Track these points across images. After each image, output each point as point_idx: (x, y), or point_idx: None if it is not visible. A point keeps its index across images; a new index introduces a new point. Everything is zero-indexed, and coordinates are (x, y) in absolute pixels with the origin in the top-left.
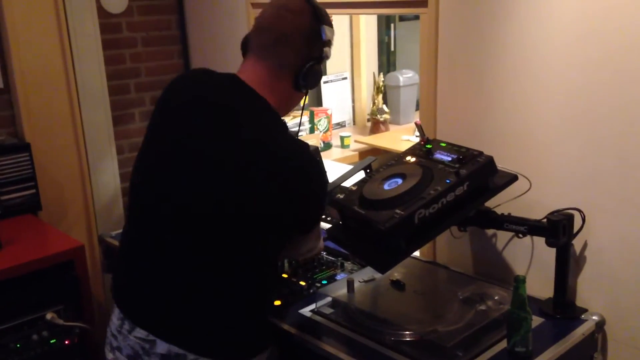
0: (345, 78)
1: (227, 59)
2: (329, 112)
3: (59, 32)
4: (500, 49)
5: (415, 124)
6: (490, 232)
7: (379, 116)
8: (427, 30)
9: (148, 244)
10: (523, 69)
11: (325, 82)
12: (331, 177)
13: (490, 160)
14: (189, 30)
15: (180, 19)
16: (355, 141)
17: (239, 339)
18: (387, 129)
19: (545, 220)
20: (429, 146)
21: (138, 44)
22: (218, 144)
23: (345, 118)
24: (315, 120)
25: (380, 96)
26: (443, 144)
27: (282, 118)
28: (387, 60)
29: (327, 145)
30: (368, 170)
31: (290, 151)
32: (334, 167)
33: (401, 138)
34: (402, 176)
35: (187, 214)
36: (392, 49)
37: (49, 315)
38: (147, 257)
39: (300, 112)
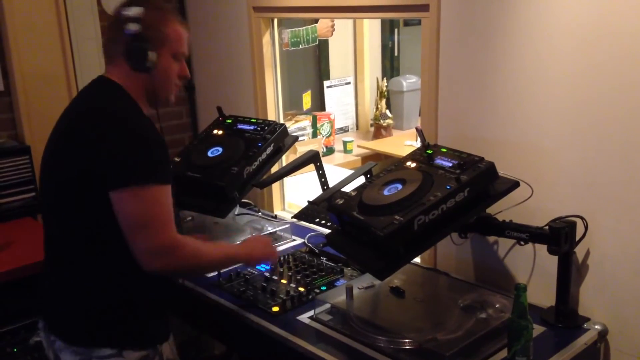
0: (348, 83)
1: (230, 65)
2: (331, 116)
3: (60, 34)
4: (502, 55)
5: (416, 129)
6: (491, 239)
7: (382, 121)
8: (428, 35)
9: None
10: (525, 75)
11: (328, 87)
12: (332, 182)
13: (491, 166)
14: (191, 34)
15: None
16: (358, 146)
17: (106, 326)
18: (390, 134)
19: (547, 227)
20: (429, 152)
21: None
22: (58, 134)
23: (348, 123)
24: (318, 125)
25: (384, 101)
26: (444, 150)
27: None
28: (390, 66)
29: (330, 150)
30: (368, 176)
31: (111, 109)
32: (336, 172)
33: (404, 143)
34: (402, 182)
35: (45, 208)
36: (396, 54)
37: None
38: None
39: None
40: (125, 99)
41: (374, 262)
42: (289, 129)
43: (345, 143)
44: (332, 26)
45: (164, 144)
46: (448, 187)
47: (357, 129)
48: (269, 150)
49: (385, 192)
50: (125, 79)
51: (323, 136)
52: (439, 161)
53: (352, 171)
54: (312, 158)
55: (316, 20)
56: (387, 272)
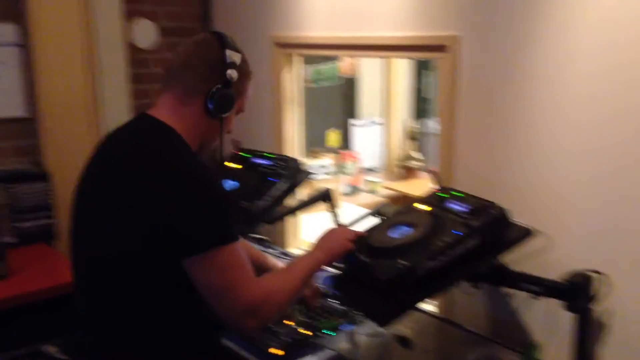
0: (376, 123)
1: (252, 99)
2: (357, 156)
3: (89, 64)
4: (521, 98)
5: (430, 171)
6: (505, 289)
7: (409, 163)
8: (445, 77)
9: (79, 295)
10: (544, 119)
11: (356, 126)
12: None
13: (503, 213)
14: None
15: None
16: (384, 187)
17: None
18: (417, 176)
19: (563, 281)
20: (442, 195)
21: None
22: (108, 186)
23: (375, 163)
24: (343, 163)
25: (412, 143)
26: (457, 193)
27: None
28: (420, 107)
29: (355, 190)
30: (380, 216)
31: (173, 159)
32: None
33: (431, 186)
34: (411, 224)
35: (93, 263)
36: (425, 95)
37: (51, 349)
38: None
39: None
40: (187, 150)
41: (376, 308)
42: (310, 166)
43: (371, 183)
44: (355, 64)
45: (225, 195)
46: (456, 232)
47: (384, 170)
48: (281, 186)
49: (394, 235)
50: (181, 119)
51: (348, 175)
52: (451, 205)
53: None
54: (324, 195)
55: (339, 58)
56: (388, 319)
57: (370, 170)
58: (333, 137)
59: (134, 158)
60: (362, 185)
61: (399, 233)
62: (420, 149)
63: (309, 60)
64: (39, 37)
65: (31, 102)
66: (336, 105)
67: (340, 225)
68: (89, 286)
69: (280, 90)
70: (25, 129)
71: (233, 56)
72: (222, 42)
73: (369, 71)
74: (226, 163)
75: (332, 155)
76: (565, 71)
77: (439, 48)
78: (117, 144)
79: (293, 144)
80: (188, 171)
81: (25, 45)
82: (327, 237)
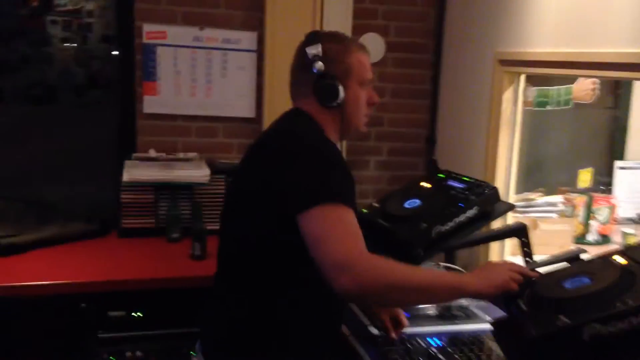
0: None
1: (468, 118)
2: (614, 201)
3: None
4: None
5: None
6: None
7: None
8: None
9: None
10: None
11: (621, 168)
12: None
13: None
14: (441, 86)
15: (434, 74)
16: None
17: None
18: None
19: None
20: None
21: (386, 94)
22: (245, 168)
23: (633, 214)
24: (593, 208)
25: None
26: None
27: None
28: None
29: (605, 240)
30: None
31: (299, 132)
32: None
33: None
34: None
35: (227, 242)
36: None
37: None
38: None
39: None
40: (313, 126)
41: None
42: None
43: (626, 235)
44: (594, 89)
45: (350, 171)
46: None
47: None
48: (470, 213)
49: (566, 285)
50: (317, 113)
51: (599, 222)
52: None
53: None
54: (516, 231)
55: (573, 80)
56: None
57: (630, 220)
58: (584, 177)
59: (270, 136)
60: (613, 236)
61: (574, 284)
62: None
63: (535, 81)
64: (270, 45)
65: (259, 105)
66: (597, 139)
67: (509, 262)
68: (222, 265)
69: (499, 111)
70: (250, 129)
71: (311, 50)
72: (305, 42)
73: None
74: (420, 182)
75: (582, 197)
76: None
77: None
78: (265, 131)
79: (506, 173)
80: (311, 140)
81: (257, 51)
82: (490, 268)
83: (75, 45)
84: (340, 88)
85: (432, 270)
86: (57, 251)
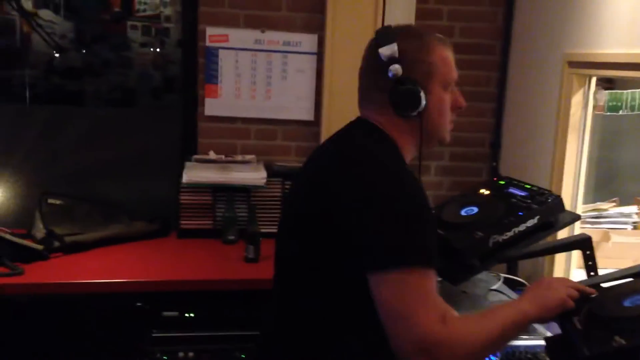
0: None
1: (535, 122)
2: None
3: None
4: None
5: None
6: None
7: None
8: None
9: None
10: None
11: None
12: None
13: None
14: (508, 89)
15: (501, 77)
16: None
17: None
18: None
19: None
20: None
21: None
22: (301, 185)
23: None
24: None
25: None
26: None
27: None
28: None
29: None
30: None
31: (360, 153)
32: None
33: None
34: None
35: (282, 266)
36: None
37: None
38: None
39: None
40: (390, 147)
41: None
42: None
43: None
44: None
45: (432, 211)
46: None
47: None
48: (530, 223)
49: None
50: (391, 125)
51: None
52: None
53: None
54: (580, 243)
55: None
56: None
57: None
58: None
59: (336, 157)
60: None
61: (634, 302)
62: None
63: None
64: (330, 47)
65: (318, 108)
66: None
67: (563, 278)
68: (277, 289)
69: (567, 116)
70: (309, 132)
71: (386, 51)
72: (377, 39)
73: None
74: (479, 189)
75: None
76: None
77: None
78: (322, 145)
79: (574, 181)
80: (393, 169)
81: (317, 54)
82: (543, 287)
83: (152, 49)
84: (422, 94)
85: (494, 313)
86: (119, 250)
